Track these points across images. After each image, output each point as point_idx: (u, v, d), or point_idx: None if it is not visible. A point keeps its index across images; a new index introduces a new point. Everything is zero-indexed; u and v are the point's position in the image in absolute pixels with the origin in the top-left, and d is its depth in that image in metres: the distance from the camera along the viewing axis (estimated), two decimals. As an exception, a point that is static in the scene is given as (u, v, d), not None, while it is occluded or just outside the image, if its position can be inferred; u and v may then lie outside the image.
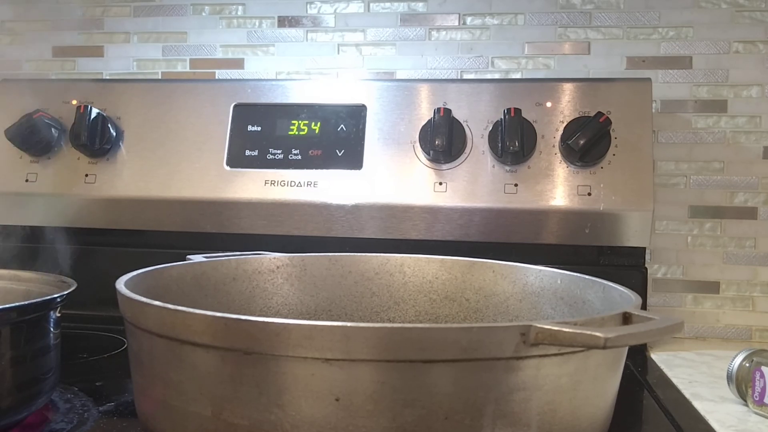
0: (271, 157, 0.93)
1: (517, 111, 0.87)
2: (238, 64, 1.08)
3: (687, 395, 0.70)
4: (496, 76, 1.02)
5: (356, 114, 0.94)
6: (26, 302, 0.56)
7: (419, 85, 0.95)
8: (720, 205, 0.98)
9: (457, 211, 0.88)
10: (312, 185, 0.91)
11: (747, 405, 0.65)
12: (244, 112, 0.96)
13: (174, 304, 0.44)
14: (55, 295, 0.58)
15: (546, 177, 0.88)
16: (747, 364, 0.65)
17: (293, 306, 0.70)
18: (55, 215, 0.97)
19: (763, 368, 0.63)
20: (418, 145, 0.91)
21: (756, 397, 0.63)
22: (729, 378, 0.67)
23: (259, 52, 1.07)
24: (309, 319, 0.53)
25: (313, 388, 0.40)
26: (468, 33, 1.02)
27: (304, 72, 1.06)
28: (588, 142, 0.85)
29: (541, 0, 1.01)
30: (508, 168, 0.89)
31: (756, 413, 0.64)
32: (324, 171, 0.92)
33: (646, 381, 0.75)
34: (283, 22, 1.06)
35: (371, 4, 1.04)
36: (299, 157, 0.93)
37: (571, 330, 0.40)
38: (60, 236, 0.98)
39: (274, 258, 0.70)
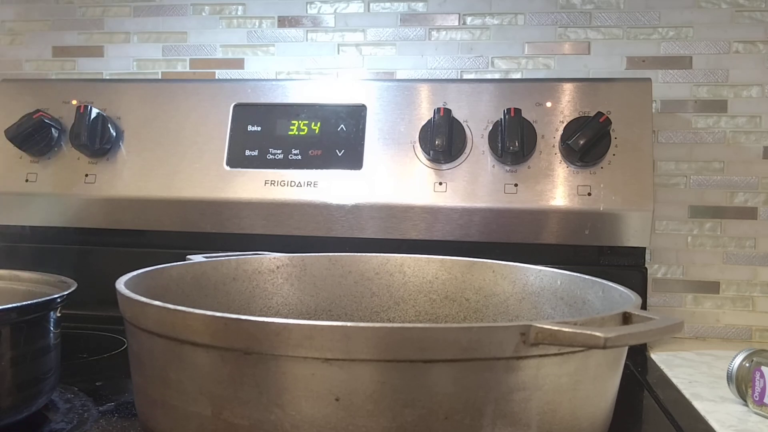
0: (271, 157, 0.93)
1: (517, 111, 0.87)
2: (238, 64, 1.08)
3: (687, 395, 0.70)
4: (496, 76, 1.02)
5: (356, 114, 0.94)
6: (26, 302, 0.56)
7: (419, 85, 0.95)
8: (720, 205, 0.98)
9: (457, 211, 0.88)
10: (312, 185, 0.91)
11: (747, 405, 0.65)
12: (244, 112, 0.96)
13: (174, 304, 0.44)
14: (55, 295, 0.58)
15: (546, 177, 0.88)
16: (747, 364, 0.65)
17: (293, 306, 0.70)
18: (55, 215, 0.97)
19: (763, 368, 0.63)
20: (418, 145, 0.91)
21: (756, 397, 0.63)
22: (729, 378, 0.67)
23: (259, 52, 1.07)
24: (309, 319, 0.53)
25: (313, 388, 0.40)
26: (468, 33, 1.02)
27: (304, 72, 1.06)
28: (588, 142, 0.85)
29: (541, 0, 1.01)
30: (508, 168, 0.89)
31: (756, 413, 0.64)
32: (324, 171, 0.92)
33: (646, 381, 0.75)
34: (283, 22, 1.06)
35: (371, 4, 1.04)
36: (299, 157, 0.93)
37: (571, 330, 0.40)
38: (60, 236, 0.98)
39: (274, 258, 0.70)
